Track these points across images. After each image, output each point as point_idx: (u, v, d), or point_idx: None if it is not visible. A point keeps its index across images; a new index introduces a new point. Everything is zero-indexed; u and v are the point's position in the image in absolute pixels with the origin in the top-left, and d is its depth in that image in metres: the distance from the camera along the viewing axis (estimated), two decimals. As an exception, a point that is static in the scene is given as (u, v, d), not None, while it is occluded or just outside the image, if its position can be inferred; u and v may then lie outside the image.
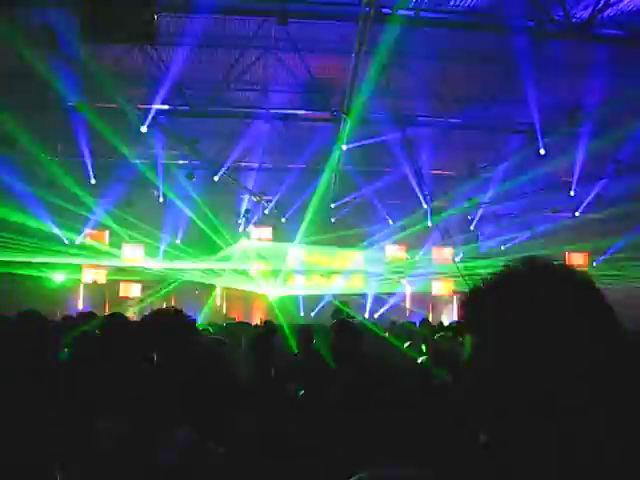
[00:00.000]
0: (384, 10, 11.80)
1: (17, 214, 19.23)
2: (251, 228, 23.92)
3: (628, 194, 19.53)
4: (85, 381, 3.45)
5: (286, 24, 12.22)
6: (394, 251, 24.62)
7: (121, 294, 24.86)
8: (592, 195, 20.70)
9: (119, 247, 23.37)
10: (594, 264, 24.45)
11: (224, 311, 25.98)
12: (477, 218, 23.58)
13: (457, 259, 23.56)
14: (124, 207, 21.56)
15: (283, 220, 23.57)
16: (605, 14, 12.14)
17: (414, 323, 12.60)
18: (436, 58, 13.89)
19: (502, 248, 25.30)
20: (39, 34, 11.84)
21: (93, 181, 19.18)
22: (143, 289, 25.30)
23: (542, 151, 16.16)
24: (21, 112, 15.65)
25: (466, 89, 15.41)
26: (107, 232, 23.27)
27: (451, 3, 12.57)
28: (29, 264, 21.35)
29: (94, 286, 24.60)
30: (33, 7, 11.80)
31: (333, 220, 23.50)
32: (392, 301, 25.98)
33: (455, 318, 23.47)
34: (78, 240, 22.58)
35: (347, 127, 15.49)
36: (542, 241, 23.13)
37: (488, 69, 14.54)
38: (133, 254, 23.35)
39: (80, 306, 24.08)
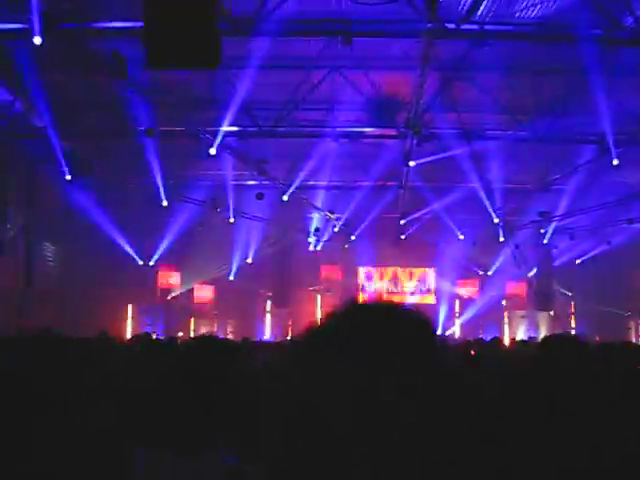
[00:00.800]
0: (448, 25, 11.72)
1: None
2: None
3: None
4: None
5: (350, 44, 12.24)
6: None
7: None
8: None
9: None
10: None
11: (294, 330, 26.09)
12: (550, 232, 23.13)
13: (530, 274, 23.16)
14: (195, 228, 21.95)
15: (352, 237, 23.59)
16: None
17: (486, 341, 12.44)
18: (503, 70, 13.73)
19: (577, 262, 24.81)
20: (109, 62, 12.16)
21: (165, 203, 19.50)
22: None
23: (615, 161, 15.78)
24: (95, 138, 16.14)
25: (534, 101, 15.19)
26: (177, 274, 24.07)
27: (517, 15, 12.43)
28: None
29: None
30: (104, 36, 12.10)
31: (403, 237, 23.39)
32: (463, 318, 25.70)
33: (530, 334, 23.09)
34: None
35: (414, 143, 15.41)
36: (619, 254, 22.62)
37: (556, 80, 14.31)
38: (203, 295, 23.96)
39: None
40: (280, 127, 16.01)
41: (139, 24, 8.36)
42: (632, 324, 26.77)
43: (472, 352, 9.99)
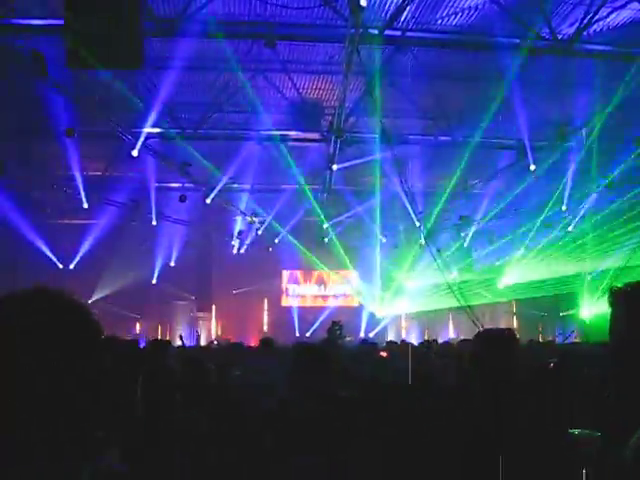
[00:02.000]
0: (371, 30, 11.86)
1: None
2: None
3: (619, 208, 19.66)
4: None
5: (274, 47, 12.27)
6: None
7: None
8: (584, 210, 20.71)
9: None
10: (588, 278, 24.46)
11: (219, 332, 25.94)
12: (470, 235, 23.57)
13: (451, 277, 23.51)
14: (116, 230, 21.63)
15: (276, 241, 23.60)
16: (591, 30, 12.23)
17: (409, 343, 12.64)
18: (425, 76, 13.96)
19: (496, 264, 25.33)
20: (29, 61, 11.86)
21: (86, 205, 19.13)
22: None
23: (532, 167, 16.20)
24: (11, 138, 15.73)
25: (455, 107, 15.47)
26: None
27: (438, 22, 12.64)
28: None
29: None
30: (23, 34, 11.82)
31: (326, 240, 23.52)
32: (386, 321, 25.96)
33: (451, 336, 23.50)
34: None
35: (337, 147, 15.52)
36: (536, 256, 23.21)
37: (477, 86, 14.60)
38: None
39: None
40: (203, 129, 15.92)
41: (60, 22, 8.23)
42: (549, 324, 27.55)
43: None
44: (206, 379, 4.76)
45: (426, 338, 18.66)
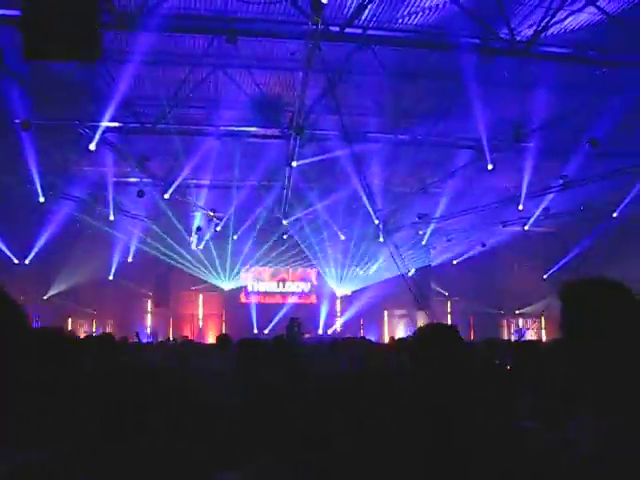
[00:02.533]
0: (332, 28, 11.89)
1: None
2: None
3: (574, 208, 20.02)
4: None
5: (235, 42, 12.23)
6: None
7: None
8: (540, 209, 21.03)
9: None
10: (544, 277, 24.86)
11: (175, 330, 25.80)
12: (428, 233, 23.76)
13: (409, 274, 23.67)
14: (72, 225, 21.38)
15: (235, 237, 23.54)
16: (549, 32, 12.41)
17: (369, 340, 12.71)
18: (385, 75, 14.04)
19: (454, 263, 25.60)
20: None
21: (42, 199, 18.87)
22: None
23: (490, 166, 16.37)
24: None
25: (415, 105, 15.56)
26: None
27: (399, 21, 12.71)
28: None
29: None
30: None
31: (285, 237, 23.54)
32: (344, 318, 26.07)
33: (408, 333, 23.64)
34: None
35: (297, 144, 15.52)
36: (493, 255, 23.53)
37: (436, 86, 14.71)
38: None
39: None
40: (163, 124, 15.81)
41: (16, 12, 8.12)
42: (504, 322, 27.94)
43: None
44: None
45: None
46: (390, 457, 2.67)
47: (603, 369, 2.01)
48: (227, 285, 25.99)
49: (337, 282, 25.86)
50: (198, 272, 24.93)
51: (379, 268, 24.77)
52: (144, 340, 19.05)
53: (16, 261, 22.46)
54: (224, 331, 23.18)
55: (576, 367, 2.11)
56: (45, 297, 24.14)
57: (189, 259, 24.29)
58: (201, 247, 24.17)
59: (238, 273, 26.10)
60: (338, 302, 26.66)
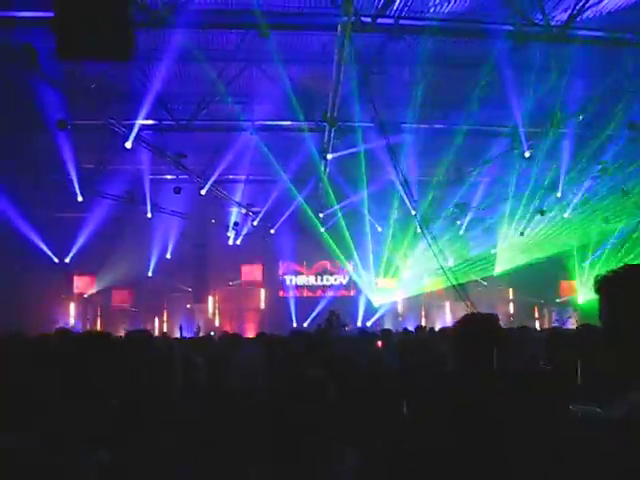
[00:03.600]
0: (364, 19, 11.83)
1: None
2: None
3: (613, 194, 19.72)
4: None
5: (268, 37, 12.21)
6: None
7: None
8: (579, 196, 20.74)
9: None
10: (584, 264, 24.55)
11: (216, 324, 25.94)
12: (466, 223, 23.58)
13: (447, 265, 23.53)
14: (111, 223, 21.59)
15: (272, 231, 23.60)
16: (584, 16, 12.21)
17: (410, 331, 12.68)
18: (418, 64, 13.93)
19: (492, 252, 25.36)
20: (20, 53, 11.81)
21: (80, 198, 19.07)
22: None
23: (527, 154, 16.20)
24: (3, 131, 15.67)
25: (449, 94, 15.43)
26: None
27: (431, 10, 12.60)
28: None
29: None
30: (12, 26, 11.76)
31: (322, 230, 23.51)
32: (384, 309, 25.99)
33: (448, 324, 23.51)
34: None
35: (331, 136, 15.49)
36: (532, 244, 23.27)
37: (470, 74, 14.57)
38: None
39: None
40: (197, 121, 15.88)
41: (50, 13, 8.17)
42: (545, 311, 27.66)
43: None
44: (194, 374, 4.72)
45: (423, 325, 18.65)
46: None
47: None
48: (265, 279, 26.07)
49: (374, 275, 25.81)
50: (236, 267, 25.04)
51: (418, 260, 24.64)
52: (187, 335, 19.25)
53: (56, 260, 22.75)
54: (263, 325, 23.23)
55: (620, 357, 2.08)
56: (85, 295, 24.44)
57: (227, 254, 24.39)
58: (238, 242, 24.25)
59: (276, 267, 26.17)
60: (377, 294, 26.54)
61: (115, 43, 7.51)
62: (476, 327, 3.23)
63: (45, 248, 22.13)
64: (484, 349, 3.07)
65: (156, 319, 25.69)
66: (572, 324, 23.88)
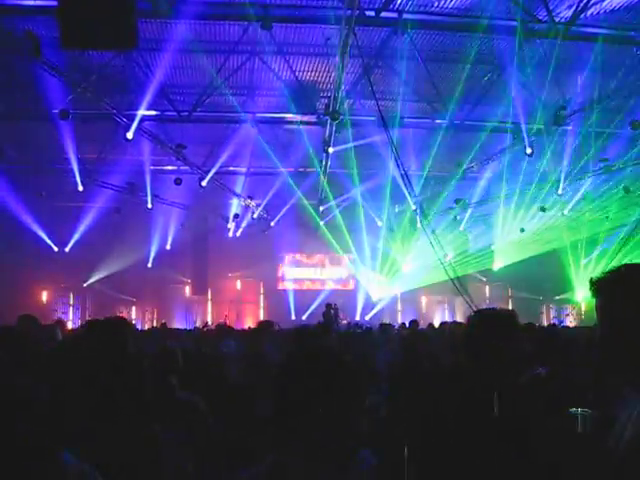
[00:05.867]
0: (367, 13, 11.80)
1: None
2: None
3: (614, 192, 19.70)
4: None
5: (270, 29, 12.18)
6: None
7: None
8: (580, 193, 20.73)
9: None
10: (583, 262, 24.54)
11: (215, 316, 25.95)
12: (466, 219, 23.58)
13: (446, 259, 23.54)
14: (111, 213, 21.60)
15: (272, 223, 23.59)
16: (588, 13, 12.19)
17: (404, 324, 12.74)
18: (421, 59, 13.92)
19: (492, 248, 25.36)
20: (23, 43, 11.78)
21: (80, 188, 19.05)
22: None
23: (529, 150, 16.17)
24: (5, 120, 15.65)
25: (452, 90, 15.40)
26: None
27: (435, 4, 12.57)
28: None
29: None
30: (16, 15, 11.75)
31: (322, 223, 23.51)
32: (383, 303, 25.99)
33: (446, 319, 23.54)
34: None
35: (333, 130, 15.47)
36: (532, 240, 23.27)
37: (473, 69, 14.55)
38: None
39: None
40: (199, 112, 15.86)
41: (54, 2, 8.16)
42: (544, 308, 27.68)
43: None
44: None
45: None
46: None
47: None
48: (264, 272, 26.07)
49: (374, 269, 25.81)
50: (236, 259, 25.02)
51: (417, 254, 24.63)
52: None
53: (56, 249, 22.76)
54: (262, 317, 23.25)
55: (612, 357, 2.08)
56: (85, 285, 24.44)
57: (227, 246, 24.38)
58: (238, 234, 24.25)
59: (275, 260, 26.20)
60: (376, 288, 26.52)
61: (118, 32, 7.51)
62: (494, 322, 3.18)
63: (45, 237, 22.14)
64: (499, 345, 3.02)
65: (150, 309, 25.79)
66: (570, 322, 23.93)
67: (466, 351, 3.16)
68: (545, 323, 25.09)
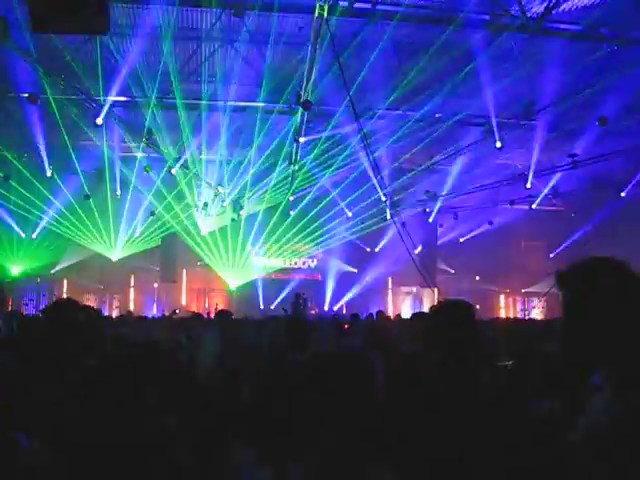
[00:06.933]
0: (341, 3, 11.78)
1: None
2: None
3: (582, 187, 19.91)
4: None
5: (243, 16, 12.14)
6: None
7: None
8: (548, 188, 20.94)
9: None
10: (550, 255, 24.81)
11: (184, 304, 25.86)
12: (435, 211, 23.71)
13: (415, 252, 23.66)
14: (80, 200, 21.40)
15: (242, 212, 23.51)
16: (560, 9, 12.28)
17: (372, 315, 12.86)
18: (393, 51, 13.93)
19: (460, 240, 25.55)
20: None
21: (49, 173, 18.86)
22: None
23: (498, 144, 16.29)
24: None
25: (423, 82, 15.43)
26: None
27: (408, -4, 12.57)
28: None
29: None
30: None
31: (292, 213, 23.51)
32: (350, 294, 26.07)
33: (415, 310, 23.66)
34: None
35: (304, 119, 15.45)
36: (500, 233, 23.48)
37: (445, 62, 14.58)
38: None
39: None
40: (170, 98, 15.76)
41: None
42: (510, 301, 27.98)
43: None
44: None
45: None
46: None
47: (606, 349, 2.01)
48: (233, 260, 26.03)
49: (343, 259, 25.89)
50: (204, 249, 24.93)
51: (386, 246, 24.74)
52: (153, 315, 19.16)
53: (23, 235, 22.52)
54: (232, 306, 23.19)
55: (578, 348, 2.11)
56: (52, 272, 24.21)
57: (196, 235, 24.28)
58: (208, 222, 24.15)
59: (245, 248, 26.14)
60: (343, 279, 26.58)
61: (91, 17, 7.41)
62: (455, 313, 3.24)
63: (12, 223, 21.89)
64: (462, 335, 3.08)
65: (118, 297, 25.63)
66: (537, 314, 24.18)
67: (426, 341, 3.22)
68: (511, 315, 25.42)
